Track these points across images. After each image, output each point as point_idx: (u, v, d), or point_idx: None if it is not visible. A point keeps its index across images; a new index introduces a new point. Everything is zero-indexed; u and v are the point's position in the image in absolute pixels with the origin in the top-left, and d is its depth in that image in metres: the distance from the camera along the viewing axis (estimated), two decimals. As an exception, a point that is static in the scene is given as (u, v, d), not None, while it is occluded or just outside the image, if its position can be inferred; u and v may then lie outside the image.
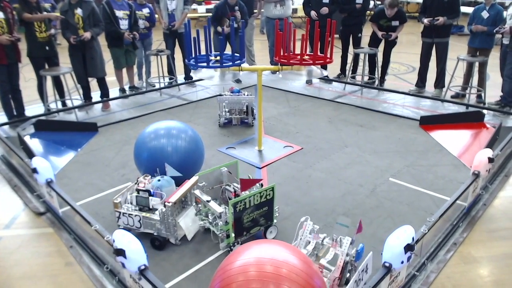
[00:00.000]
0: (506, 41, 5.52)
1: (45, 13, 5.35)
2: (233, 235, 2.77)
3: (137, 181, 3.13)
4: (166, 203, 2.81)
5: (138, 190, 2.98)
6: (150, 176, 3.20)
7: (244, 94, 5.15)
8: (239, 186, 3.01)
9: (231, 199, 2.73)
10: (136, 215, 2.91)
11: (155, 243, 2.90)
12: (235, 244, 2.79)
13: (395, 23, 6.49)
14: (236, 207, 2.68)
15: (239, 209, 2.70)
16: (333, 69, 7.51)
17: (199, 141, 3.67)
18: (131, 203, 3.01)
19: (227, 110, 5.20)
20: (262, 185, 3.02)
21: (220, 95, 5.22)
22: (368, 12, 8.74)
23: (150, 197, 2.93)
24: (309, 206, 3.42)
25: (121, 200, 3.00)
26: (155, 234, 2.90)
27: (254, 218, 2.83)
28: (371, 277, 2.21)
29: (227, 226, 2.76)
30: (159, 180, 3.07)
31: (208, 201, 2.92)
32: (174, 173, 3.11)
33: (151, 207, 2.93)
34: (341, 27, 7.07)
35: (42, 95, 5.61)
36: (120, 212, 2.97)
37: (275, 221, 3.01)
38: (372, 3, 11.89)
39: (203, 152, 3.72)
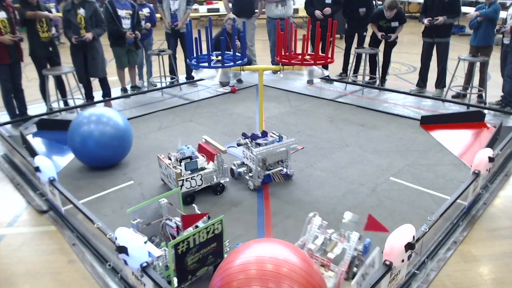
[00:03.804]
0: (506, 41, 5.53)
1: (47, 13, 5.38)
2: (175, 280, 2.36)
3: (169, 157, 3.58)
4: (217, 154, 3.53)
5: (180, 160, 3.45)
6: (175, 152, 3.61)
7: (280, 137, 3.74)
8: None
9: (174, 236, 2.51)
10: (198, 175, 3.47)
11: (217, 189, 3.57)
12: None
13: (394, 24, 6.50)
14: (178, 249, 2.26)
15: (181, 250, 2.27)
16: (335, 69, 7.53)
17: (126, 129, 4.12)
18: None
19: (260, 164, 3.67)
20: (209, 218, 2.63)
21: (243, 144, 3.70)
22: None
23: (197, 160, 3.51)
24: (310, 205, 3.43)
25: (181, 170, 3.42)
26: (213, 183, 3.55)
27: (201, 258, 2.42)
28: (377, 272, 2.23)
29: (167, 271, 2.36)
30: (188, 148, 3.58)
31: (144, 243, 2.37)
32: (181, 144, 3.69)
33: (199, 167, 3.51)
34: (347, 26, 7.08)
35: (44, 94, 5.64)
36: (183, 179, 3.39)
37: (225, 256, 2.51)
38: (373, 3, 11.86)
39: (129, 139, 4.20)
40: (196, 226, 2.55)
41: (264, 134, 3.79)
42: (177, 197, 2.78)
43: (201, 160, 3.57)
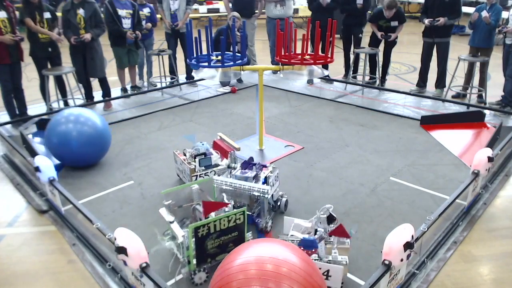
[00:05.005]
0: (509, 41, 5.54)
1: (49, 13, 5.37)
2: (194, 261, 2.51)
3: (184, 153, 3.69)
4: (231, 152, 3.47)
5: (195, 156, 3.51)
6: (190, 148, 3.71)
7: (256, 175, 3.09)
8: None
9: (201, 220, 2.60)
10: (211, 171, 3.49)
11: None
12: (197, 271, 2.53)
13: (394, 23, 6.50)
14: (198, 232, 2.43)
15: (201, 234, 2.44)
16: (334, 69, 7.52)
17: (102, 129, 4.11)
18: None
19: (229, 199, 3.04)
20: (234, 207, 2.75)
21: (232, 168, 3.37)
22: (370, 11, 8.76)
23: (211, 156, 3.54)
24: (310, 205, 3.43)
25: (195, 165, 3.50)
26: None
27: (221, 244, 2.56)
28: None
29: (188, 251, 2.51)
30: (202, 144, 3.64)
31: (171, 222, 2.64)
32: (191, 138, 3.76)
33: (213, 163, 3.53)
34: (342, 27, 7.08)
35: (44, 94, 5.64)
36: (197, 175, 3.47)
37: None
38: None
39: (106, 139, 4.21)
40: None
41: (251, 165, 3.17)
42: (210, 185, 2.98)
43: (215, 157, 3.59)
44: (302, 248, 2.43)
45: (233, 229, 2.55)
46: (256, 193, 2.97)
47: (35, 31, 5.24)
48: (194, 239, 2.44)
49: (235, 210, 2.56)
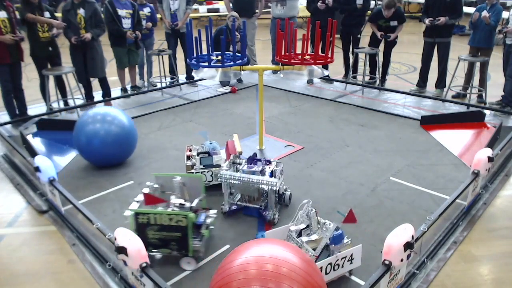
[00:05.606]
0: (509, 41, 5.53)
1: (48, 13, 5.37)
2: None
3: (190, 149, 3.71)
4: (233, 155, 3.38)
5: (198, 153, 3.52)
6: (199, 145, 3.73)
7: (265, 168, 3.18)
8: (184, 200, 2.85)
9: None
10: (209, 171, 3.49)
11: None
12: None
13: (393, 23, 6.49)
14: (138, 218, 2.60)
15: (141, 221, 2.61)
16: (334, 69, 7.52)
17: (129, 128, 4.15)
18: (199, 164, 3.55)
19: (236, 194, 3.34)
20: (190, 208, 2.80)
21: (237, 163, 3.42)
22: (369, 12, 8.75)
23: (214, 156, 3.53)
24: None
25: (191, 163, 3.54)
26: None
27: (163, 238, 2.65)
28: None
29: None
30: (211, 143, 3.63)
31: (137, 201, 2.86)
32: (205, 135, 3.76)
33: (214, 163, 3.51)
34: (341, 27, 7.06)
35: (44, 94, 5.64)
36: (193, 172, 3.45)
37: (191, 253, 2.68)
38: (373, 3, 11.87)
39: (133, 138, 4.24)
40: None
41: (256, 161, 3.27)
42: (199, 182, 2.98)
43: (217, 158, 3.57)
44: (333, 245, 2.46)
45: (174, 228, 2.60)
46: (265, 186, 3.04)
47: (38, 22, 5.23)
48: (135, 223, 2.60)
49: (178, 211, 2.64)
